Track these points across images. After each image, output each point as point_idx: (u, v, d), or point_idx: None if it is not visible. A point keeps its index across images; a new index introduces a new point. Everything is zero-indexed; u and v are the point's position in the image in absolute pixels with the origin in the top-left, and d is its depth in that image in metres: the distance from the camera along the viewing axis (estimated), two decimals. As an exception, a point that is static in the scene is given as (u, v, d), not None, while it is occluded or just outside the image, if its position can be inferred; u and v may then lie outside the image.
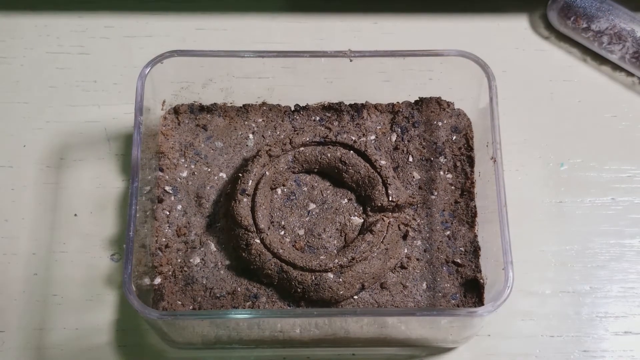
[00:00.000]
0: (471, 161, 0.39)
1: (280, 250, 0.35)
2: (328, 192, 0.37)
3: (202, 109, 0.40)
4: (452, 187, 0.38)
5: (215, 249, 0.37)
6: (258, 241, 0.35)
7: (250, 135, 0.40)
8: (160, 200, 0.38)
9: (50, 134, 0.43)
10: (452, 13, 0.48)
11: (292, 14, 0.48)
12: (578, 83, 0.46)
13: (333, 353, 0.39)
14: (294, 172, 0.38)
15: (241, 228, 0.36)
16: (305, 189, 0.37)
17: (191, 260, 0.36)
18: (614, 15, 0.46)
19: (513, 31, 0.48)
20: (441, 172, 0.39)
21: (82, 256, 0.40)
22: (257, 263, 0.35)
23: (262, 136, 0.40)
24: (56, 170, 0.42)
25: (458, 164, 0.39)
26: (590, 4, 0.46)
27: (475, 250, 0.37)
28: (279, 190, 0.37)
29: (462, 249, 0.37)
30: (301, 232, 0.36)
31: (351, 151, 0.37)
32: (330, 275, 0.35)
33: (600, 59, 0.47)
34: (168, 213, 0.37)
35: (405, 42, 0.44)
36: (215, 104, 0.40)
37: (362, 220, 0.36)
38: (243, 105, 0.41)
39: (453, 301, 0.36)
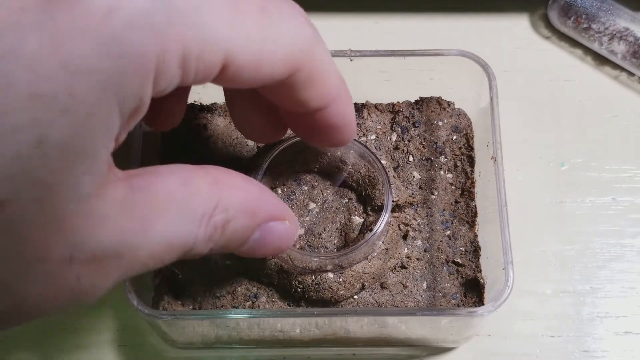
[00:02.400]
0: (471, 161, 0.39)
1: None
2: (328, 191, 0.37)
3: (203, 108, 0.40)
4: (453, 187, 0.38)
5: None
6: (258, 241, 0.35)
7: (251, 135, 0.39)
8: (161, 200, 0.38)
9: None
10: (452, 13, 0.48)
11: (293, 13, 0.48)
12: (579, 83, 0.46)
13: (333, 353, 0.39)
14: (293, 172, 0.38)
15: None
16: (306, 188, 0.37)
17: (191, 259, 0.36)
18: (615, 15, 0.46)
19: (513, 31, 0.48)
20: (441, 172, 0.39)
21: (82, 256, 0.40)
22: (257, 263, 0.35)
23: (262, 136, 0.39)
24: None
25: (458, 163, 0.39)
26: (591, 3, 0.46)
27: (475, 250, 0.37)
28: (279, 190, 0.37)
29: (463, 248, 0.37)
30: (301, 231, 0.36)
31: (351, 150, 0.37)
32: (331, 275, 0.35)
33: (601, 59, 0.47)
34: (168, 213, 0.37)
35: (406, 42, 0.44)
36: (215, 103, 0.40)
37: (362, 219, 0.36)
38: (243, 105, 0.41)
39: (453, 301, 0.36)
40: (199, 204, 0.22)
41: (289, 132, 0.36)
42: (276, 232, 0.26)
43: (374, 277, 0.35)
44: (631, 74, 0.46)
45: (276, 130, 0.32)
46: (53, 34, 0.18)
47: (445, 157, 0.39)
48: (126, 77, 0.19)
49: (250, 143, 0.39)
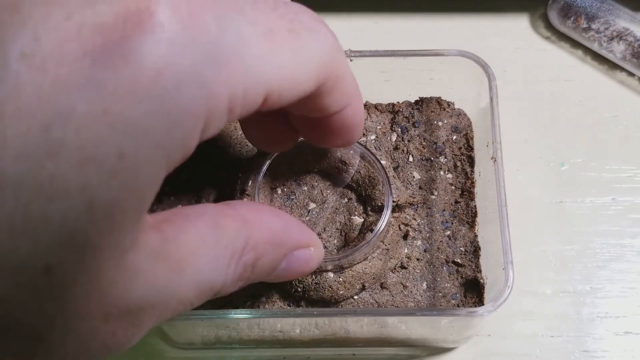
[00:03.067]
0: (471, 161, 0.39)
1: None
2: (328, 191, 0.37)
3: (202, 108, 0.40)
4: (452, 187, 0.38)
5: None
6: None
7: (251, 135, 0.39)
8: (160, 201, 0.38)
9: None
10: (452, 13, 0.48)
11: (293, 13, 0.48)
12: (578, 83, 0.46)
13: (333, 353, 0.39)
14: (293, 172, 0.38)
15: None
16: (305, 188, 0.37)
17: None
18: (615, 15, 0.46)
19: (513, 31, 0.48)
20: (441, 172, 0.39)
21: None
22: (257, 263, 0.35)
23: (262, 136, 0.39)
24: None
25: (458, 163, 0.39)
26: (590, 3, 0.46)
27: (475, 250, 0.37)
28: (279, 190, 0.37)
29: (462, 249, 0.37)
30: (301, 231, 0.36)
31: (351, 151, 0.37)
32: (331, 275, 0.35)
33: (601, 59, 0.47)
34: (168, 213, 0.37)
35: (406, 42, 0.44)
36: (215, 103, 0.40)
37: (363, 219, 0.36)
38: (243, 105, 0.40)
39: (453, 301, 0.36)
40: (228, 245, 0.22)
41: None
42: (302, 259, 0.26)
43: (374, 278, 0.35)
44: (631, 74, 0.46)
45: (289, 139, 0.32)
46: (102, 97, 0.17)
47: (445, 157, 0.39)
48: (176, 134, 0.19)
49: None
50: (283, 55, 0.22)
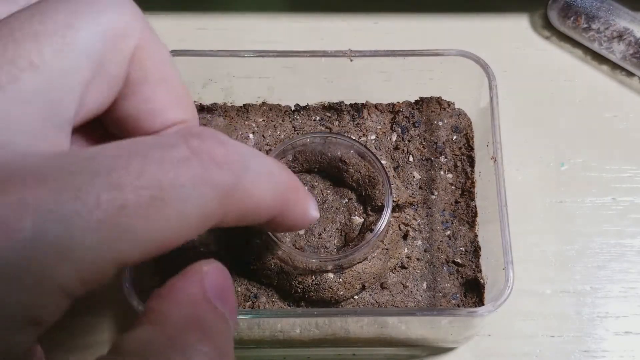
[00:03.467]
0: (471, 161, 0.39)
1: (280, 251, 0.35)
2: (328, 191, 0.37)
3: (203, 108, 0.40)
4: (453, 187, 0.38)
5: (215, 249, 0.37)
6: (258, 241, 0.35)
7: (251, 135, 0.39)
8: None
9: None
10: (452, 13, 0.48)
11: (292, 13, 0.48)
12: (578, 83, 0.46)
13: (333, 353, 0.39)
14: (294, 172, 0.38)
15: (241, 228, 0.36)
16: (305, 188, 0.37)
17: (191, 260, 0.36)
18: (615, 15, 0.46)
19: (513, 31, 0.48)
20: (441, 172, 0.39)
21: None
22: (257, 263, 0.35)
23: (262, 136, 0.39)
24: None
25: (458, 163, 0.39)
26: (590, 3, 0.46)
27: (475, 250, 0.37)
28: (279, 190, 0.37)
29: (463, 248, 0.37)
30: (301, 231, 0.36)
31: (351, 150, 0.37)
32: (331, 275, 0.35)
33: (601, 59, 0.47)
34: (168, 213, 0.37)
35: (406, 42, 0.44)
36: (215, 103, 0.40)
37: (363, 219, 0.36)
38: (243, 105, 0.40)
39: (453, 301, 0.36)
40: None
41: (289, 132, 0.36)
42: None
43: (374, 278, 0.35)
44: (631, 73, 0.46)
45: None
46: None
47: (445, 157, 0.39)
48: (4, 335, 0.19)
49: (250, 143, 0.39)
50: (135, 227, 0.19)
